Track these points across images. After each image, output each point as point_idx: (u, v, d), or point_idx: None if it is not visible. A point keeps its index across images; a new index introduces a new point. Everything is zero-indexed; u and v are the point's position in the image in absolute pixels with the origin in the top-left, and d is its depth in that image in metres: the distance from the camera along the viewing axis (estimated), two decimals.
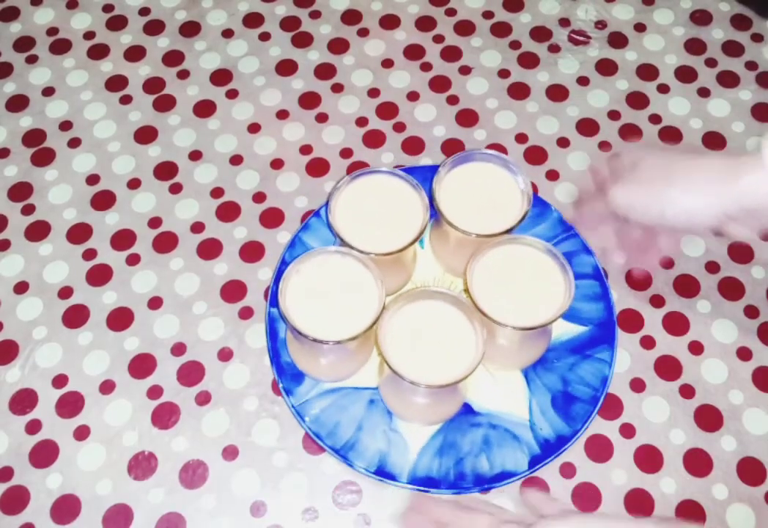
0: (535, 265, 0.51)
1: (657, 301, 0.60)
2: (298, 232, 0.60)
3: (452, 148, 0.66)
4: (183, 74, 0.70)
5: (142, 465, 0.54)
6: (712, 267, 0.61)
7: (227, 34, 0.72)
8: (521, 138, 0.66)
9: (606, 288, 0.58)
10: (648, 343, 0.58)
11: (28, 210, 0.64)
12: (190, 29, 0.72)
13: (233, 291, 0.60)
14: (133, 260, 0.61)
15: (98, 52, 0.71)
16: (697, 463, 0.54)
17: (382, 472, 0.52)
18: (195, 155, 0.66)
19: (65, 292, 0.60)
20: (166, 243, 0.62)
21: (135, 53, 0.71)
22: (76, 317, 0.59)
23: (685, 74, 0.70)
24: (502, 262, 0.51)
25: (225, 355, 0.58)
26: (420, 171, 0.60)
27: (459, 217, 0.52)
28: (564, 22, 0.73)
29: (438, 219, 0.54)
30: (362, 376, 0.55)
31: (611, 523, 0.44)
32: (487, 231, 0.51)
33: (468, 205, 0.53)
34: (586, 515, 0.46)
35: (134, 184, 0.65)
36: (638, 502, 0.53)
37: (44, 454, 0.55)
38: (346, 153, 0.66)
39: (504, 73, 0.70)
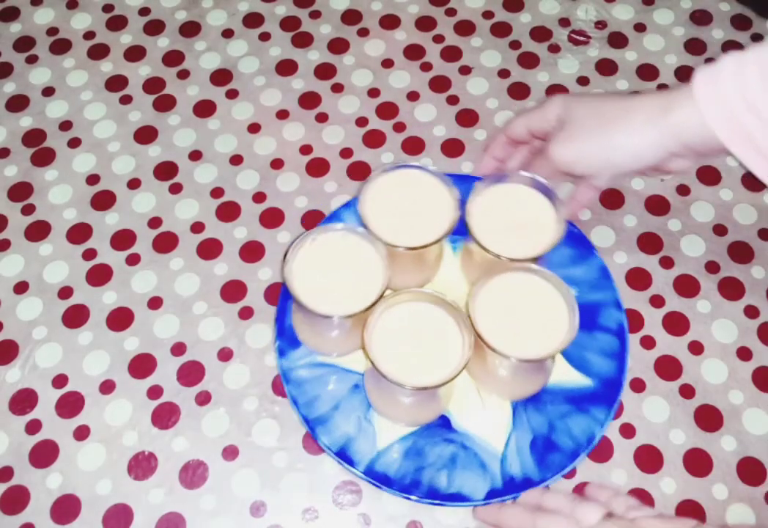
0: (543, 298, 0.49)
1: (657, 301, 0.60)
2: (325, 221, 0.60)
3: (452, 148, 0.66)
4: (183, 74, 0.70)
5: (142, 465, 0.54)
6: (712, 267, 0.61)
7: (227, 34, 0.72)
8: None
9: (625, 348, 0.55)
10: (648, 343, 0.58)
11: (28, 210, 0.64)
12: (190, 29, 0.72)
13: (233, 291, 0.60)
14: (133, 260, 0.61)
15: (98, 52, 0.71)
16: (697, 463, 0.54)
17: (343, 455, 0.52)
18: (195, 155, 0.66)
19: (65, 292, 0.60)
20: (166, 243, 0.62)
21: (135, 53, 0.71)
22: (76, 317, 0.59)
23: (685, 74, 0.70)
24: (508, 289, 0.50)
25: (225, 355, 0.58)
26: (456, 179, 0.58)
27: (488, 238, 0.50)
28: (564, 22, 0.73)
29: (467, 235, 0.53)
30: (355, 358, 0.55)
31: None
32: (513, 254, 0.50)
33: (499, 227, 0.52)
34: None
35: (134, 184, 0.65)
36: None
37: (44, 454, 0.55)
38: (346, 153, 0.66)
39: (504, 73, 0.70)
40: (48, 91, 0.69)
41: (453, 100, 0.69)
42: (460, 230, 0.52)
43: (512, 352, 0.46)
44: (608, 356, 0.55)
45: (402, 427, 0.54)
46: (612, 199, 0.63)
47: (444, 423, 0.54)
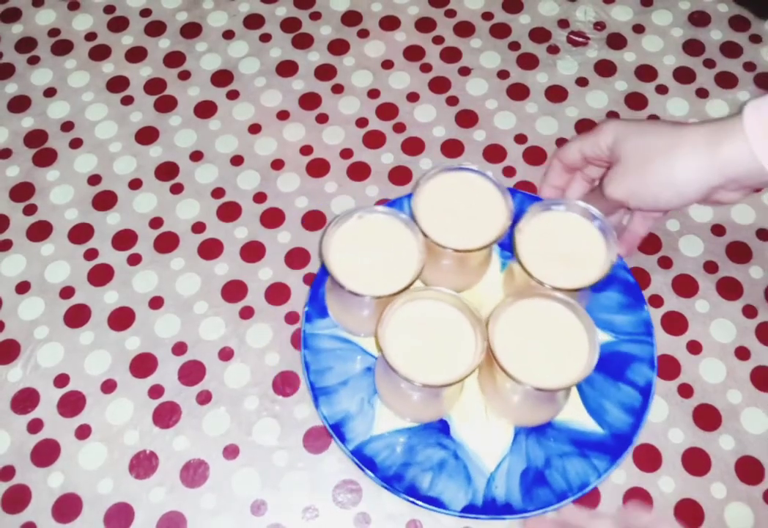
0: (566, 329, 0.49)
1: (655, 301, 0.60)
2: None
3: (452, 148, 0.66)
4: (184, 75, 0.70)
5: (143, 464, 0.54)
6: (710, 267, 0.61)
7: (228, 35, 0.72)
8: (520, 138, 0.67)
9: (646, 407, 0.53)
10: None
11: (30, 210, 0.64)
12: (191, 30, 0.73)
13: (234, 291, 0.60)
14: (135, 260, 0.62)
15: (99, 53, 0.72)
16: (696, 462, 0.54)
17: (337, 429, 0.53)
18: (196, 156, 0.66)
19: (67, 292, 0.60)
20: (167, 243, 0.62)
21: (136, 54, 0.71)
22: (77, 317, 0.59)
23: (684, 75, 0.70)
24: (533, 314, 0.49)
25: (226, 354, 0.58)
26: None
27: (533, 262, 0.50)
28: (563, 23, 0.73)
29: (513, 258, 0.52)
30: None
31: None
32: (556, 282, 0.49)
33: (546, 253, 0.51)
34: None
35: (135, 184, 0.65)
36: (637, 502, 0.53)
37: (46, 453, 0.55)
38: (346, 153, 0.66)
39: (503, 74, 0.70)
40: (49, 92, 0.69)
41: (452, 100, 0.69)
42: (511, 247, 0.52)
43: (524, 377, 0.46)
44: (627, 410, 0.54)
45: (401, 420, 0.54)
46: None
47: (443, 427, 0.54)
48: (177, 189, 0.65)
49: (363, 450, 0.52)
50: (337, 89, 0.69)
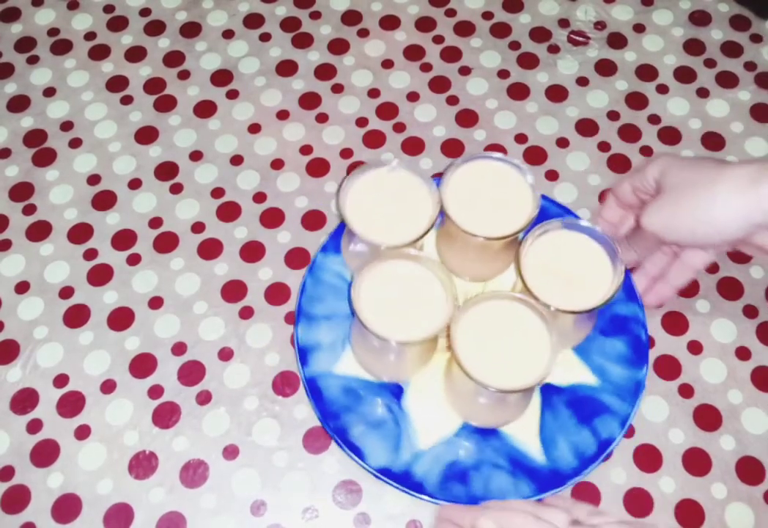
0: (530, 332, 0.48)
1: None
2: None
3: (452, 148, 0.66)
4: (183, 75, 0.70)
5: (142, 464, 0.54)
6: (711, 267, 0.61)
7: (228, 34, 0.72)
8: (521, 138, 0.67)
9: (596, 458, 0.52)
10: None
11: (29, 210, 0.64)
12: (191, 30, 0.73)
13: (234, 291, 0.60)
14: (134, 260, 0.62)
15: (99, 52, 0.71)
16: (696, 462, 0.54)
17: (303, 353, 0.55)
18: (195, 155, 0.66)
19: (66, 292, 0.60)
20: (166, 243, 0.62)
21: (136, 54, 0.71)
22: (76, 317, 0.59)
23: (684, 75, 0.70)
24: (495, 316, 0.49)
25: (225, 354, 0.58)
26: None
27: (540, 288, 0.49)
28: (563, 22, 0.73)
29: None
30: None
31: None
32: (571, 307, 0.48)
33: (551, 277, 0.51)
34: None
35: (135, 184, 0.65)
36: (637, 502, 0.53)
37: (45, 454, 0.55)
38: (346, 153, 0.66)
39: (503, 74, 0.70)
40: (49, 92, 0.69)
41: (453, 100, 0.69)
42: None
43: (476, 373, 0.45)
44: (576, 454, 0.52)
45: (362, 371, 0.55)
46: None
47: (397, 392, 0.54)
48: (176, 189, 0.65)
49: (317, 381, 0.54)
50: (337, 89, 0.69)
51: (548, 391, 0.55)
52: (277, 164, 0.66)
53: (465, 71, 0.70)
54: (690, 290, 0.60)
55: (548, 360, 0.47)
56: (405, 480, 0.51)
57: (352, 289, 0.48)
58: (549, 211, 0.59)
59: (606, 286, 0.50)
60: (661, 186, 0.49)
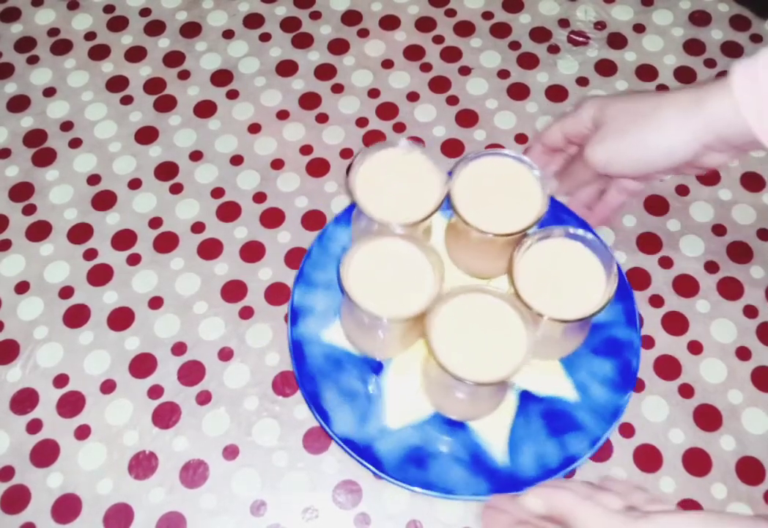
0: (506, 325, 0.48)
1: (656, 301, 0.60)
2: None
3: (452, 148, 0.66)
4: (184, 75, 0.70)
5: (142, 464, 0.54)
6: (711, 267, 0.61)
7: (228, 34, 0.72)
8: (521, 138, 0.67)
9: (559, 470, 0.52)
10: (647, 342, 0.58)
11: (29, 210, 0.64)
12: (191, 30, 0.73)
13: (234, 291, 0.60)
14: (134, 260, 0.62)
15: (99, 52, 0.71)
16: (697, 462, 0.54)
17: (294, 313, 0.56)
18: (195, 155, 0.66)
19: (66, 292, 0.60)
20: (166, 243, 0.62)
21: (136, 54, 0.71)
22: (76, 317, 0.59)
23: (685, 75, 0.70)
24: (473, 309, 0.49)
25: (225, 354, 0.58)
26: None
27: (530, 294, 0.49)
28: (563, 22, 0.73)
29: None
30: None
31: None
32: (559, 315, 0.48)
33: (543, 283, 0.50)
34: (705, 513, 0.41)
35: (135, 184, 0.65)
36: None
37: (45, 454, 0.55)
38: (346, 153, 0.66)
39: (504, 74, 0.70)
40: (49, 92, 0.69)
41: (453, 100, 0.69)
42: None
43: (447, 362, 0.46)
44: (540, 464, 0.52)
45: (347, 343, 0.56)
46: None
47: (377, 369, 0.55)
48: (176, 189, 0.65)
49: (302, 343, 0.56)
50: (337, 89, 0.69)
51: (526, 398, 0.55)
52: (277, 164, 0.66)
53: (465, 71, 0.70)
54: (690, 290, 0.60)
55: (521, 359, 0.46)
56: (366, 454, 0.52)
57: (342, 261, 0.49)
58: (555, 215, 0.59)
59: (597, 299, 0.49)
60: (600, 122, 0.50)
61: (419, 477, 0.52)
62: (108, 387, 0.57)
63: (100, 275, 0.61)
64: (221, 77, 0.70)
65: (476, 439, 0.53)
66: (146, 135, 0.67)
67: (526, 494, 0.43)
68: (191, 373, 0.57)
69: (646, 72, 0.70)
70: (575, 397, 0.54)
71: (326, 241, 0.59)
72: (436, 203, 0.51)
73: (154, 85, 0.70)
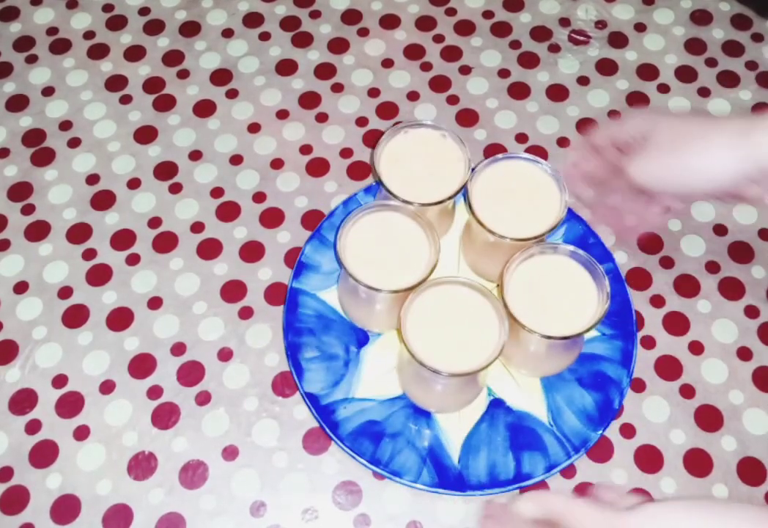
0: (481, 316, 0.49)
1: (657, 301, 0.60)
2: None
3: None
4: (183, 74, 0.70)
5: (142, 465, 0.54)
6: (712, 267, 0.61)
7: (227, 33, 0.72)
8: (521, 138, 0.66)
9: (515, 481, 0.52)
10: (648, 343, 0.58)
11: (28, 210, 0.64)
12: (190, 29, 0.72)
13: (233, 291, 0.60)
14: (133, 260, 0.61)
15: (98, 51, 0.71)
16: (698, 463, 0.54)
17: (296, 277, 0.58)
18: (195, 155, 0.66)
19: (65, 292, 0.60)
20: (166, 243, 0.62)
21: (135, 53, 0.71)
22: (75, 317, 0.59)
23: (686, 74, 0.70)
24: (450, 300, 0.49)
25: (225, 355, 0.58)
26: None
27: (518, 305, 0.49)
28: (564, 21, 0.73)
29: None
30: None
31: (718, 508, 0.41)
32: (541, 328, 0.48)
33: (536, 301, 0.50)
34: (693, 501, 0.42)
35: (134, 184, 0.65)
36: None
37: (44, 454, 0.55)
38: (346, 153, 0.66)
39: (504, 73, 0.70)
40: (48, 91, 0.69)
41: (453, 99, 0.68)
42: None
43: (421, 354, 0.46)
44: (492, 474, 0.52)
45: (341, 312, 0.57)
46: None
47: (362, 341, 0.56)
48: (176, 188, 0.64)
49: (298, 295, 0.57)
50: (337, 88, 0.69)
51: (497, 406, 0.55)
52: (277, 164, 0.66)
53: (465, 70, 0.70)
54: (691, 290, 0.60)
55: (490, 354, 0.47)
56: (325, 415, 0.54)
57: (341, 229, 0.50)
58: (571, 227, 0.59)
59: (583, 322, 0.49)
60: (649, 139, 0.50)
61: (370, 451, 0.53)
62: (107, 387, 0.57)
63: (99, 275, 0.61)
64: (221, 76, 0.70)
65: (436, 431, 0.54)
66: (145, 134, 0.67)
67: (519, 501, 0.44)
68: (191, 374, 0.57)
69: (647, 71, 0.70)
70: (546, 419, 0.54)
71: (352, 206, 0.60)
72: (453, 191, 0.51)
73: (153, 85, 0.69)
